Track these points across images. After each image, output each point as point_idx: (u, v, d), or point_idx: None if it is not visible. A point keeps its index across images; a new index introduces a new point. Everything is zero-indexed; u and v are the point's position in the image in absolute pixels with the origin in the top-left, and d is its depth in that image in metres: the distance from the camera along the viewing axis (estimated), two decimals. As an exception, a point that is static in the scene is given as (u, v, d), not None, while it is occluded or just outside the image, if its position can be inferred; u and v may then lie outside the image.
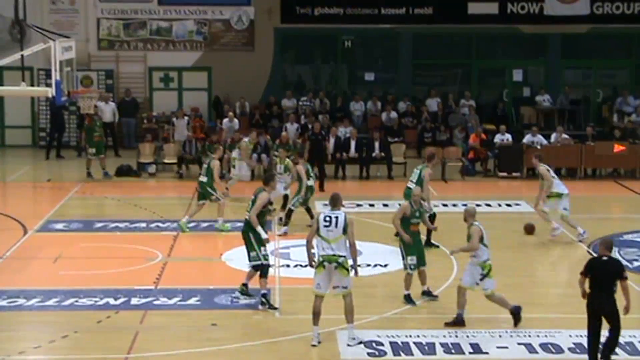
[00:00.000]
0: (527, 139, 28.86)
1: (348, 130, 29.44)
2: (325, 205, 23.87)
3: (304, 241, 19.53)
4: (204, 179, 20.91)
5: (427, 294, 15.91)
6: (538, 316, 14.99)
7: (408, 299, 15.67)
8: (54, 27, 29.55)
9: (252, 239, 15.68)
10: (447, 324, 14.44)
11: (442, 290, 16.34)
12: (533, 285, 16.96)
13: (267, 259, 15.69)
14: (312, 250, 14.18)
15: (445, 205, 24.02)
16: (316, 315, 13.81)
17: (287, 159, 22.60)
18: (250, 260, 15.77)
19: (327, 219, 13.90)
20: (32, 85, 30.43)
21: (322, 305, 13.78)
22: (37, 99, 32.94)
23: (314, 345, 13.63)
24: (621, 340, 13.38)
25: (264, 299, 15.47)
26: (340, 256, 13.74)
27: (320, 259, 13.80)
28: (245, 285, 15.87)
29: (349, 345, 13.67)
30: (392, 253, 18.98)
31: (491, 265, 14.50)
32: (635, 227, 21.74)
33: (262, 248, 15.66)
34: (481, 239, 14.47)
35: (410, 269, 15.71)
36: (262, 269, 15.64)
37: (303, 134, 29.74)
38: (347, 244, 13.78)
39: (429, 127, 32.03)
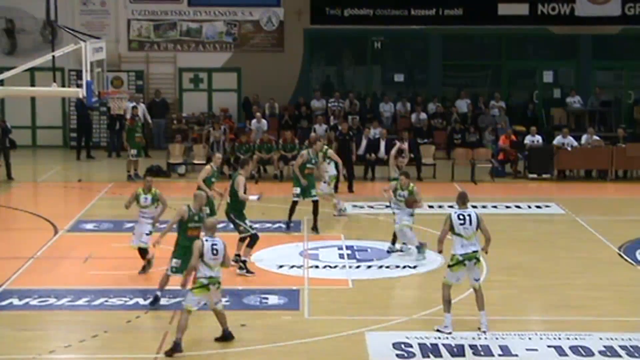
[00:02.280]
0: (557, 140, 28.71)
1: (377, 131, 29.40)
2: (355, 206, 24.00)
3: (332, 242, 19.76)
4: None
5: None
6: (568, 318, 14.91)
7: None
8: (85, 28, 29.73)
9: (234, 217, 17.58)
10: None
11: (471, 291, 16.26)
12: (563, 287, 16.86)
13: (253, 228, 17.61)
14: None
15: (474, 206, 23.83)
16: (448, 302, 14.28)
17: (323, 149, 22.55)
18: (240, 234, 17.57)
19: (461, 217, 14.35)
20: (63, 86, 30.61)
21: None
22: (68, 99, 33.13)
23: (449, 333, 13.99)
24: (600, 344, 13.47)
25: (242, 264, 17.25)
26: (477, 252, 14.33)
27: (460, 258, 14.22)
28: (244, 262, 17.38)
29: (483, 331, 14.08)
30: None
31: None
32: (666, 229, 21.57)
33: (246, 220, 17.54)
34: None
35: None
36: (250, 239, 17.49)
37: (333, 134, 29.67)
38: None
39: (458, 128, 31.94)
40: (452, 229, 14.31)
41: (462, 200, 14.71)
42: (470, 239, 14.26)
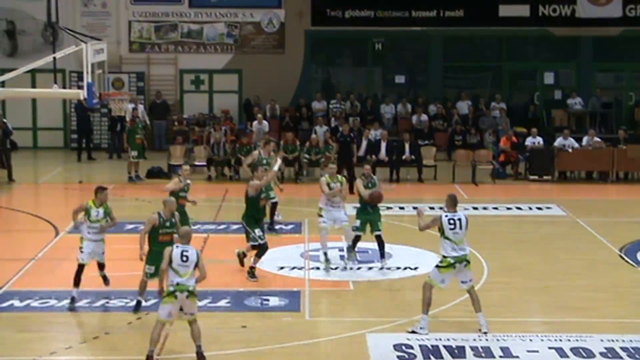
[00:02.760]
0: (558, 142, 28.71)
1: (378, 132, 29.40)
2: (356, 208, 23.97)
3: (335, 244, 19.74)
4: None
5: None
6: (569, 320, 14.90)
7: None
8: (86, 30, 29.73)
9: (245, 224, 17.47)
10: None
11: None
12: (564, 288, 16.86)
13: (262, 239, 17.29)
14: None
15: (475, 208, 23.95)
16: (428, 304, 14.26)
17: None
18: (248, 241, 17.46)
19: (452, 221, 14.27)
20: (64, 87, 30.58)
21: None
22: (69, 101, 33.13)
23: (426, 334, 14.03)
24: (601, 345, 13.50)
25: (250, 270, 17.21)
26: (467, 254, 14.36)
27: (452, 260, 14.20)
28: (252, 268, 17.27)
29: (484, 332, 14.06)
30: (422, 256, 18.96)
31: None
32: (667, 231, 21.57)
33: (257, 230, 17.26)
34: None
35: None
36: (260, 249, 17.29)
37: (333, 136, 29.65)
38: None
39: (459, 130, 31.94)
40: (441, 232, 14.26)
41: (453, 203, 14.59)
42: (460, 243, 14.26)
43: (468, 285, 14.42)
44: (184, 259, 13.19)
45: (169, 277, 13.28)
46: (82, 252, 15.86)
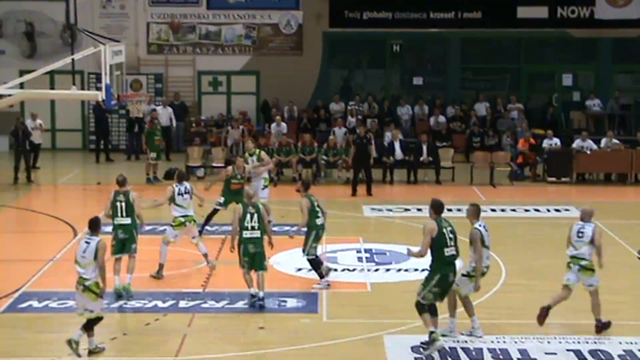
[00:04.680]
0: (576, 143, 28.62)
1: (390, 134, 29.36)
2: (374, 209, 23.96)
3: (350, 245, 19.74)
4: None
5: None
6: (587, 322, 14.84)
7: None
8: (104, 32, 29.84)
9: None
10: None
11: (490, 295, 16.25)
12: (582, 291, 16.77)
13: (311, 254, 16.93)
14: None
15: (493, 210, 23.90)
16: (455, 307, 14.23)
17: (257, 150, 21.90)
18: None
19: (486, 229, 14.14)
20: (82, 88, 30.71)
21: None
22: (87, 102, 33.26)
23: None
24: (620, 348, 13.46)
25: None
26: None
27: (485, 270, 14.14)
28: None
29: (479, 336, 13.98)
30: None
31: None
32: (686, 233, 21.46)
33: (315, 244, 17.01)
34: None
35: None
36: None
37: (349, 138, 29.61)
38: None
39: (477, 131, 31.89)
40: (482, 242, 13.96)
41: (479, 213, 14.31)
42: (489, 249, 14.18)
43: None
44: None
45: None
46: None
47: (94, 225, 13.69)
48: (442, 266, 13.49)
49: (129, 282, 16.28)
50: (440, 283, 13.50)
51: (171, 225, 17.57)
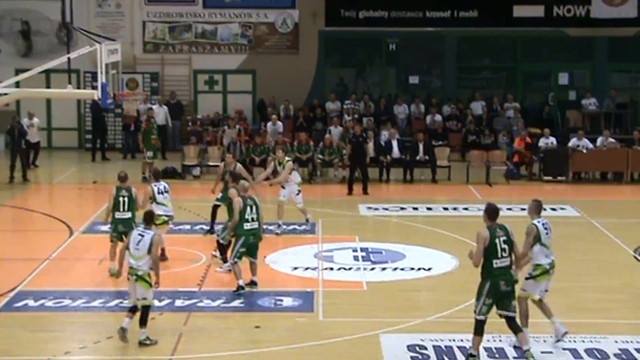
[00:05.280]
0: (572, 142, 28.63)
1: (387, 133, 29.36)
2: (370, 208, 23.97)
3: (347, 244, 19.74)
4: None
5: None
6: (583, 321, 14.86)
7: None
8: (100, 30, 29.83)
9: None
10: None
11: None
12: (578, 289, 16.81)
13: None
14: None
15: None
16: (527, 317, 13.71)
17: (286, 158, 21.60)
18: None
19: (546, 226, 13.74)
20: (78, 87, 30.73)
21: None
22: (84, 101, 33.23)
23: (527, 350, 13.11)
24: (616, 347, 13.42)
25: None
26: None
27: (547, 267, 13.67)
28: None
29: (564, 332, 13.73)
30: (436, 257, 18.95)
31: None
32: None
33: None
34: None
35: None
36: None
37: (344, 138, 29.57)
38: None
39: (473, 129, 31.90)
40: (538, 239, 13.62)
41: (540, 209, 13.94)
42: (550, 247, 13.79)
43: (547, 294, 13.93)
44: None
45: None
46: None
47: (149, 218, 14.29)
48: (491, 275, 12.85)
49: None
50: (492, 292, 12.85)
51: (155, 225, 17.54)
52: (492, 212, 13.03)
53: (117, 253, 15.64)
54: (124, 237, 16.37)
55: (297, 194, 21.08)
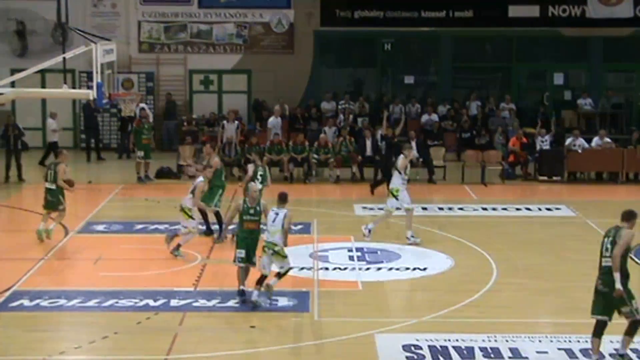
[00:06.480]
0: (568, 142, 28.65)
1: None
2: (365, 208, 23.96)
3: (342, 244, 19.74)
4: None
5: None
6: (579, 321, 14.85)
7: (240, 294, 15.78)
8: (96, 30, 29.74)
9: None
10: None
11: (481, 294, 16.27)
12: (573, 289, 16.81)
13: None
14: None
15: (484, 209, 23.93)
16: None
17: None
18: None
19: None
20: (73, 87, 30.65)
21: None
22: (79, 101, 33.19)
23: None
24: (611, 347, 13.36)
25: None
26: None
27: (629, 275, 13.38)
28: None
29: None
30: (431, 257, 18.95)
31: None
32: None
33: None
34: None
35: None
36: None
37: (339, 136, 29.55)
38: None
39: (467, 127, 31.89)
40: (630, 249, 13.41)
41: (633, 217, 13.72)
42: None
43: None
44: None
45: None
46: None
47: (283, 198, 15.69)
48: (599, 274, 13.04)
49: (52, 228, 20.00)
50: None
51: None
52: (626, 215, 13.56)
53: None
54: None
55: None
